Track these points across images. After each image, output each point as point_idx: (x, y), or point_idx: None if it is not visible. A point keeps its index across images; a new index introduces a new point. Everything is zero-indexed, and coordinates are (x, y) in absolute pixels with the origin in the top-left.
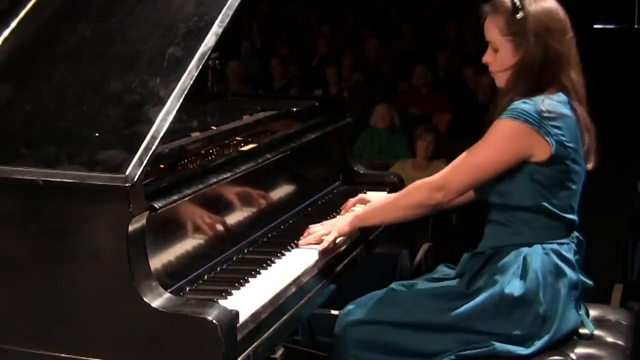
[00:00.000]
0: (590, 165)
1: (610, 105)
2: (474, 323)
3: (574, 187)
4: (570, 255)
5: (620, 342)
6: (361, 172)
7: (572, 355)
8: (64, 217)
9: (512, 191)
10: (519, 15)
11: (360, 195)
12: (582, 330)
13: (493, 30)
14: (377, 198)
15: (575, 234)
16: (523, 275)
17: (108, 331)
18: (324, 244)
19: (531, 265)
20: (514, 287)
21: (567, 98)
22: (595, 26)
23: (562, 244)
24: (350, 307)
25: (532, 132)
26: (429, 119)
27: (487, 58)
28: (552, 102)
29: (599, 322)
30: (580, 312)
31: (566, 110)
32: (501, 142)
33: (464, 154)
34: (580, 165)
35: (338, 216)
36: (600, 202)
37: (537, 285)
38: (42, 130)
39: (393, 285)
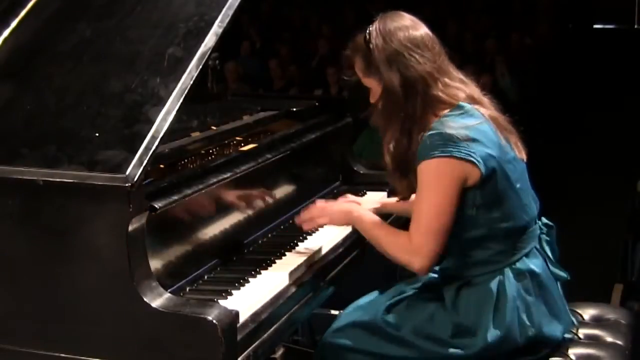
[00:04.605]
0: (524, 156)
1: (610, 105)
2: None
3: (518, 186)
4: (539, 261)
5: (619, 342)
6: (361, 172)
7: (572, 356)
8: (64, 217)
9: (461, 224)
10: (370, 48)
11: (353, 198)
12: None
13: (359, 72)
14: (367, 201)
15: (543, 221)
16: (501, 308)
17: (108, 331)
18: (311, 224)
19: (508, 293)
20: (495, 333)
21: (464, 106)
22: (595, 26)
23: (529, 253)
24: (334, 326)
25: (455, 160)
26: None
27: (371, 99)
28: (454, 119)
29: (599, 322)
30: (568, 312)
31: (473, 119)
32: (436, 185)
33: (414, 216)
34: (512, 163)
35: (342, 201)
36: (600, 202)
37: (517, 312)
38: (42, 130)
39: (378, 317)
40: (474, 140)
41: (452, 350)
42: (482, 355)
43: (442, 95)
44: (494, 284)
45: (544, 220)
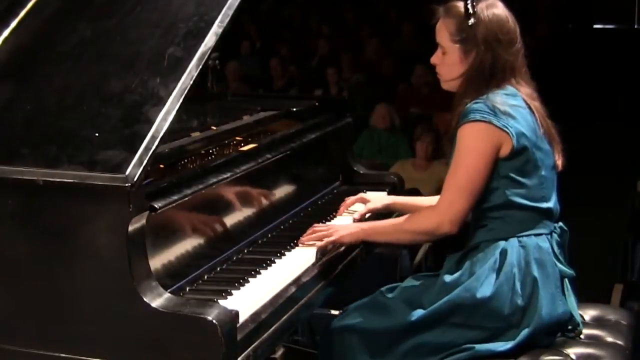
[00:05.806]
0: (559, 164)
1: (609, 105)
2: (451, 317)
3: (542, 173)
4: (546, 245)
5: (620, 342)
6: (361, 172)
7: (572, 355)
8: (64, 217)
9: (483, 194)
10: (471, 21)
11: (360, 195)
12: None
13: (444, 34)
14: (376, 197)
15: (560, 224)
16: (498, 271)
17: (108, 331)
18: (323, 242)
19: (507, 259)
20: (486, 289)
21: (516, 90)
22: (595, 26)
23: (540, 234)
24: (342, 314)
25: (493, 127)
26: (429, 119)
27: (435, 59)
28: (501, 96)
29: (599, 322)
30: (566, 303)
31: (516, 102)
32: (473, 146)
33: (448, 178)
34: (543, 152)
35: (341, 220)
36: (600, 202)
37: (513, 278)
38: (42, 130)
39: (379, 291)
40: (512, 117)
41: (438, 307)
42: (467, 310)
43: (511, 87)
44: (497, 249)
45: (561, 224)
